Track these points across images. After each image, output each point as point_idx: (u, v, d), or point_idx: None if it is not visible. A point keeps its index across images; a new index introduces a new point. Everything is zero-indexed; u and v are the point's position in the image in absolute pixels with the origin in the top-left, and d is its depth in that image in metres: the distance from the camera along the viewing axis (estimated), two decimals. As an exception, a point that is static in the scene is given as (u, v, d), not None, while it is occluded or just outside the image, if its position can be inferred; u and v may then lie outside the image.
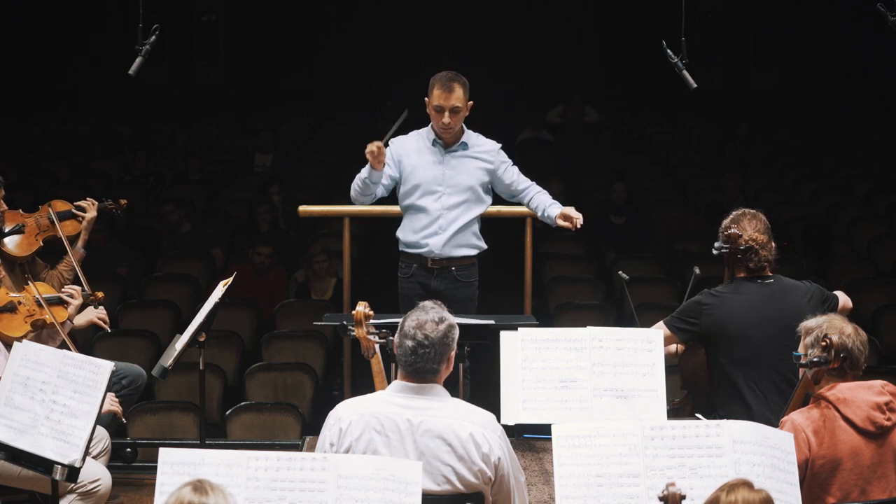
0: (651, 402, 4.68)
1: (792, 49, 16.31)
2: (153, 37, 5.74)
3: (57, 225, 5.76)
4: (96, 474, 4.87)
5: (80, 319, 5.59)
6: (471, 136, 5.94)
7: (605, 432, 3.79)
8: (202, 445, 5.32)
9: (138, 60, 5.69)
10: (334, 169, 13.02)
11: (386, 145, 5.71)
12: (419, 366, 3.85)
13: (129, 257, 9.63)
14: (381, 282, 8.01)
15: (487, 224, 6.08)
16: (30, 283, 5.44)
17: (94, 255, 7.64)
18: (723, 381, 4.98)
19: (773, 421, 4.43)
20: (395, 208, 6.08)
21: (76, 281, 5.70)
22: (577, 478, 3.73)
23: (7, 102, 14.86)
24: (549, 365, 4.73)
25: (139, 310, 8.65)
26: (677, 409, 5.22)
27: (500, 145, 6.00)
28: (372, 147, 5.62)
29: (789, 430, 4.00)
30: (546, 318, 8.30)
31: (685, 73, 5.77)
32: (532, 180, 6.05)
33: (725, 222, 5.10)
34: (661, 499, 3.12)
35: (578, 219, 5.72)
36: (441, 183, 5.87)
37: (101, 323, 5.67)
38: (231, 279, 5.55)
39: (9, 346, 4.76)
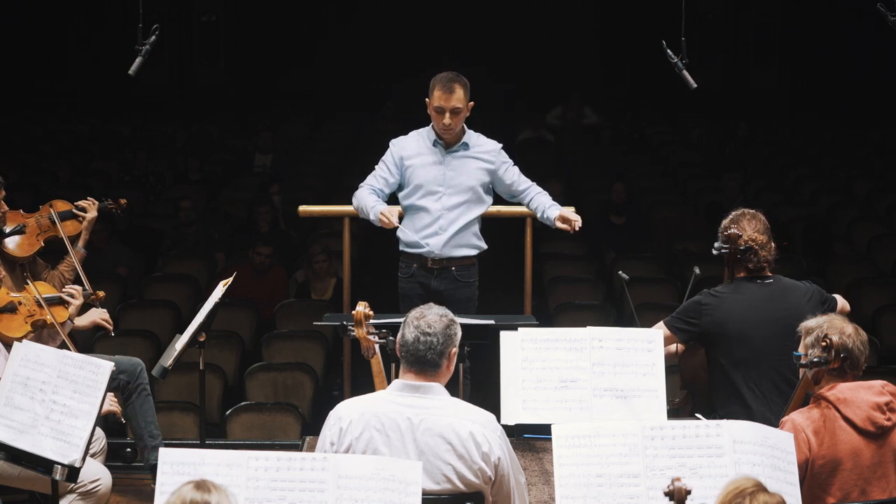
0: (651, 402, 4.68)
1: (792, 49, 16.30)
2: (153, 37, 5.74)
3: (58, 225, 5.76)
4: (96, 474, 4.87)
5: (84, 320, 5.59)
6: (472, 137, 5.95)
7: (605, 432, 3.79)
8: (202, 445, 5.32)
9: (138, 60, 5.69)
10: (334, 169, 13.02)
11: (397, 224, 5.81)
12: (421, 354, 3.84)
13: (129, 257, 9.64)
14: (381, 282, 8.02)
15: (487, 224, 6.08)
16: (30, 283, 5.44)
17: (94, 255, 7.64)
18: (723, 381, 4.98)
19: (773, 421, 4.43)
20: (395, 208, 6.08)
21: (77, 281, 5.70)
22: (577, 478, 3.73)
23: (7, 102, 14.86)
24: (549, 365, 4.73)
25: (139, 310, 8.65)
26: (677, 409, 5.22)
27: (500, 145, 6.00)
28: (384, 219, 5.72)
29: (789, 429, 4.00)
30: (546, 318, 8.30)
31: (685, 73, 5.77)
32: (532, 180, 6.05)
33: (725, 222, 5.10)
34: (666, 494, 3.12)
35: (577, 221, 5.72)
36: (442, 183, 5.87)
37: (104, 324, 5.67)
38: (231, 279, 5.56)
39: (9, 347, 4.75)
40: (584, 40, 16.84)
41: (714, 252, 5.10)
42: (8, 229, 5.59)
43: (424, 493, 3.65)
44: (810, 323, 4.19)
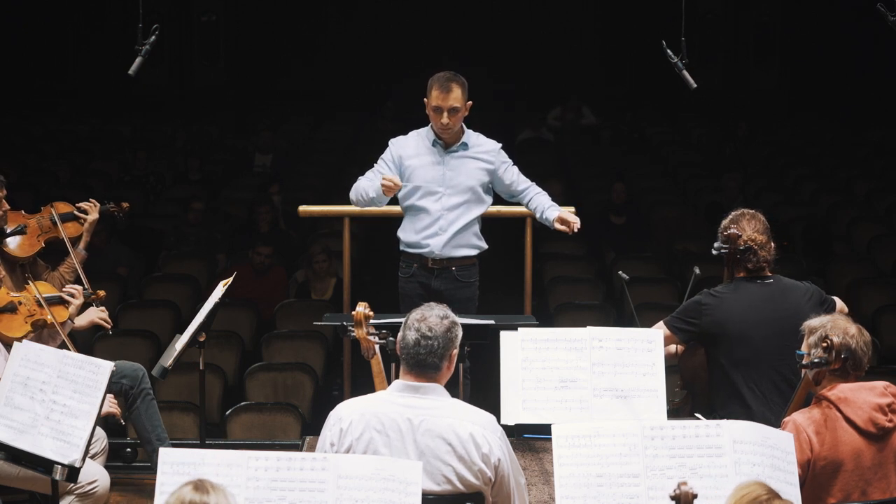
0: (651, 402, 4.68)
1: (792, 49, 16.31)
2: (153, 37, 5.74)
3: (59, 226, 5.76)
4: (94, 475, 4.87)
5: (83, 320, 5.59)
6: (471, 136, 5.94)
7: (605, 432, 3.79)
8: (202, 445, 5.32)
9: (138, 60, 5.69)
10: (334, 169, 13.02)
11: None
12: (421, 358, 3.84)
13: (129, 257, 9.64)
14: (381, 282, 8.02)
15: (487, 224, 6.08)
16: (30, 282, 5.44)
17: (94, 256, 7.63)
18: (722, 381, 4.97)
19: (773, 421, 4.43)
20: (396, 208, 6.08)
21: (77, 282, 5.69)
22: (577, 478, 3.73)
23: (7, 102, 14.86)
24: (549, 365, 4.73)
25: (139, 310, 8.65)
26: (677, 409, 5.22)
27: (500, 145, 5.99)
28: (388, 182, 5.64)
29: (791, 430, 4.00)
30: (546, 318, 8.30)
31: (685, 73, 5.77)
32: (532, 180, 6.04)
33: (724, 222, 5.10)
34: (672, 498, 3.11)
35: (576, 223, 5.71)
36: (441, 184, 5.87)
37: (102, 323, 5.67)
38: (231, 279, 5.56)
39: (9, 347, 4.76)
40: (584, 40, 16.84)
41: (714, 252, 5.10)
42: (9, 229, 5.59)
43: (424, 493, 3.65)
44: (814, 322, 4.19)
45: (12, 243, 5.60)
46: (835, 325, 4.11)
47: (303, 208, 6.75)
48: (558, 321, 8.18)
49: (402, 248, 6.00)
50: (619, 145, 14.21)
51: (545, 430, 4.08)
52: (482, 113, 6.90)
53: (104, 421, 5.22)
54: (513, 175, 5.96)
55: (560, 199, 6.03)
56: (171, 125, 14.50)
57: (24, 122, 14.70)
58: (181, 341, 5.40)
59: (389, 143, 6.00)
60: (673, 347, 5.12)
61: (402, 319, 3.97)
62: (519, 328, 4.85)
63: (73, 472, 4.32)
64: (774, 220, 5.55)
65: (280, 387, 7.54)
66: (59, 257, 5.83)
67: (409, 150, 5.92)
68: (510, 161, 6.00)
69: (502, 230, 7.57)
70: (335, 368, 7.95)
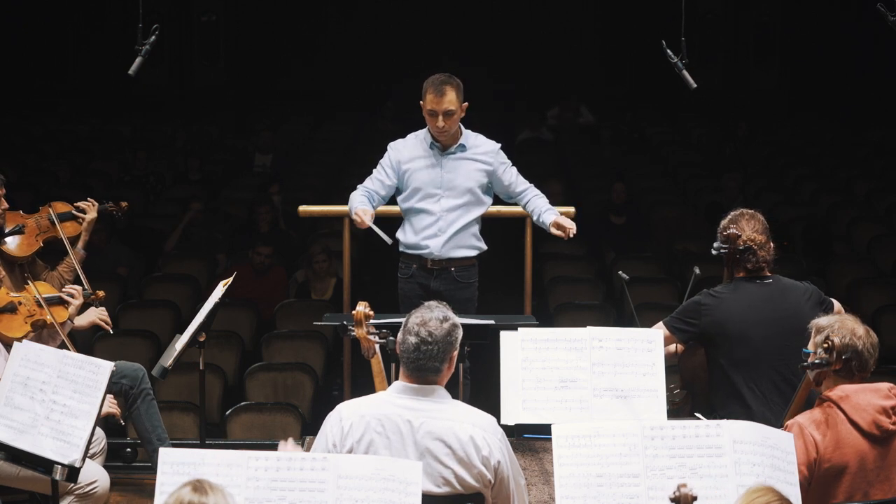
0: (651, 402, 4.68)
1: (792, 49, 16.30)
2: (153, 37, 5.74)
3: (57, 226, 5.76)
4: (93, 475, 4.86)
5: (82, 320, 5.59)
6: (469, 137, 5.93)
7: (605, 432, 3.79)
8: (202, 445, 5.32)
9: (138, 60, 5.69)
10: (334, 169, 13.02)
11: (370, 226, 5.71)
12: (421, 363, 3.84)
13: (129, 257, 9.64)
14: (381, 282, 8.01)
15: (487, 224, 6.08)
16: (30, 283, 5.44)
17: (94, 256, 7.63)
18: (722, 381, 4.97)
19: (773, 421, 4.43)
20: (395, 209, 6.08)
21: (77, 281, 5.69)
22: (577, 478, 3.73)
23: (7, 102, 14.86)
24: (549, 365, 4.73)
25: (139, 310, 8.65)
26: (677, 409, 5.22)
27: (499, 145, 5.99)
28: (357, 218, 5.68)
29: (797, 432, 3.98)
30: (546, 318, 8.30)
31: (685, 73, 5.77)
32: (532, 180, 6.04)
33: (724, 223, 5.10)
34: (672, 500, 3.11)
35: (571, 229, 5.69)
36: (440, 186, 5.86)
37: (102, 323, 5.67)
38: (231, 279, 5.56)
39: (9, 347, 4.76)
40: (584, 40, 16.84)
41: (713, 252, 5.11)
42: (7, 229, 5.59)
43: (424, 494, 3.65)
44: (822, 321, 4.17)
45: (11, 243, 5.60)
46: (842, 325, 4.10)
47: (303, 208, 6.75)
48: (558, 321, 8.18)
49: (401, 249, 6.00)
50: (619, 145, 14.20)
51: (545, 430, 4.08)
52: (482, 113, 6.90)
53: (104, 421, 5.22)
54: (511, 176, 5.95)
55: (560, 199, 6.03)
56: (171, 125, 14.50)
57: (24, 122, 14.70)
58: (181, 341, 5.40)
59: (388, 147, 5.99)
60: (673, 347, 5.12)
61: (402, 319, 3.96)
62: (519, 328, 4.86)
63: (73, 473, 4.32)
64: (774, 220, 5.56)
65: (280, 387, 7.54)
66: (58, 257, 5.83)
67: (407, 153, 5.91)
68: (509, 162, 5.99)
69: (502, 230, 7.57)
70: (335, 368, 7.95)
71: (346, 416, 3.87)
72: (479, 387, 5.82)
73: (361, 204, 5.79)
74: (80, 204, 5.88)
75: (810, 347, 4.16)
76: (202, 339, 5.42)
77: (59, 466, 4.31)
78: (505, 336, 4.82)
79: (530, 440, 5.23)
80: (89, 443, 4.34)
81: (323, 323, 5.74)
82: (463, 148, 5.90)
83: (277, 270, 9.20)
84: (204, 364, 5.58)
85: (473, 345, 5.28)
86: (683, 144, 14.66)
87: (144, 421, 5.48)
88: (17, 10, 15.14)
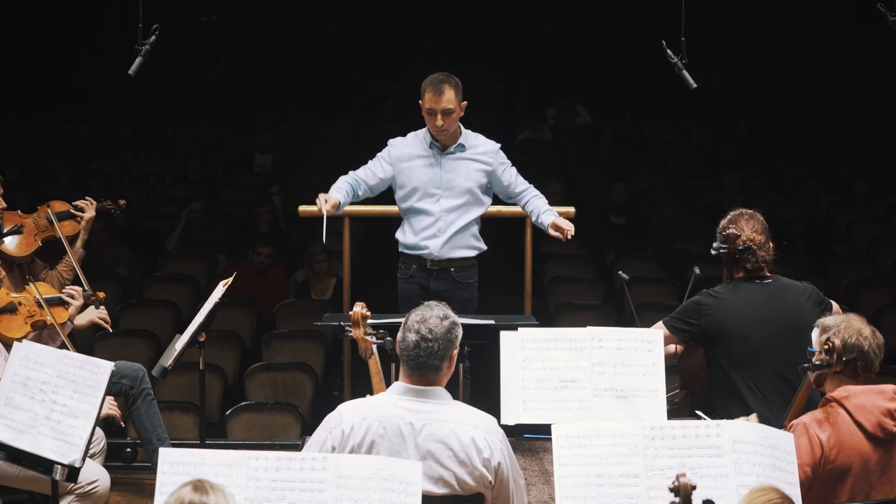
0: (651, 402, 4.68)
1: (792, 49, 16.31)
2: (153, 37, 5.74)
3: (56, 225, 5.75)
4: (94, 475, 4.87)
5: (82, 319, 5.59)
6: (468, 137, 5.93)
7: (605, 432, 3.79)
8: (202, 445, 5.32)
9: (138, 60, 5.69)
10: (334, 169, 12.96)
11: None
12: (422, 360, 3.83)
13: (129, 257, 9.64)
14: (380, 282, 8.01)
15: (487, 224, 6.07)
16: (30, 283, 5.44)
17: (94, 255, 7.64)
18: (722, 381, 4.97)
19: (773, 421, 4.43)
20: (395, 209, 6.08)
21: (76, 281, 5.69)
22: (577, 478, 3.73)
23: (7, 102, 14.86)
24: (549, 365, 4.73)
25: (139, 310, 8.65)
26: (677, 409, 5.22)
27: (499, 145, 5.98)
28: (317, 203, 5.64)
29: (801, 432, 3.98)
30: (546, 318, 8.30)
31: (685, 73, 5.77)
32: (532, 180, 6.03)
33: (723, 223, 5.10)
34: (672, 490, 3.11)
35: (570, 230, 5.69)
36: (439, 186, 5.86)
37: (102, 323, 5.67)
38: (231, 279, 5.56)
39: (9, 347, 4.76)
40: (584, 40, 16.84)
41: (713, 252, 5.10)
42: (5, 229, 5.59)
43: (424, 494, 3.65)
44: (828, 321, 4.17)
45: (9, 243, 5.60)
46: (849, 325, 4.09)
47: (303, 208, 6.74)
48: (558, 321, 8.18)
49: (400, 249, 6.00)
50: (619, 145, 14.20)
51: (545, 430, 4.08)
52: (482, 113, 6.91)
53: (104, 422, 5.22)
54: (511, 176, 5.95)
55: (560, 199, 6.03)
56: (171, 125, 14.50)
57: (24, 122, 14.70)
58: (181, 341, 5.40)
59: (388, 143, 5.99)
60: (672, 347, 5.11)
61: (401, 320, 3.96)
62: (519, 328, 4.85)
63: (73, 472, 4.32)
64: (774, 220, 5.56)
65: (280, 387, 7.54)
66: (58, 256, 5.82)
67: (407, 152, 5.91)
68: (508, 162, 5.98)
69: (502, 230, 7.57)
70: (335, 368, 7.95)
71: (347, 418, 3.86)
72: (479, 387, 5.82)
73: (336, 191, 5.79)
74: (79, 203, 5.88)
75: (815, 346, 4.16)
76: (202, 339, 5.42)
77: (59, 466, 4.31)
78: (505, 336, 4.82)
79: (530, 440, 5.23)
80: (89, 443, 4.34)
81: (323, 323, 5.74)
82: (462, 148, 5.89)
83: (277, 270, 9.20)
84: (204, 364, 5.58)
85: (473, 345, 5.28)
86: (683, 144, 14.66)
87: (144, 421, 5.48)
88: (17, 10, 15.14)
